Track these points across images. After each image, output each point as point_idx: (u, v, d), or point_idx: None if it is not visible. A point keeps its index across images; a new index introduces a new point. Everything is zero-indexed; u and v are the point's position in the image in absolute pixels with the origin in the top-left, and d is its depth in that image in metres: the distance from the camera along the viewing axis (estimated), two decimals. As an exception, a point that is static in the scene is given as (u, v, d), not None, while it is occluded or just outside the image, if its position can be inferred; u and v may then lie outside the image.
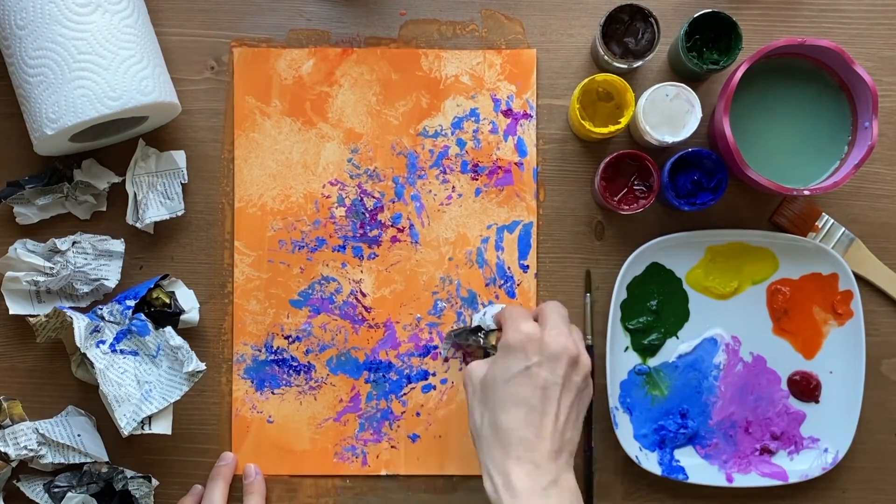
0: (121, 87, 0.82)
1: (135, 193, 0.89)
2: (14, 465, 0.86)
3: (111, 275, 0.89)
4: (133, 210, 0.89)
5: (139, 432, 0.83)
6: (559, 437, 0.75)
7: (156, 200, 0.89)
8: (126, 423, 0.82)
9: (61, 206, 0.90)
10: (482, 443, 0.77)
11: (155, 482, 0.88)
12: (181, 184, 0.90)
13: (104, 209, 0.91)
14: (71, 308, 0.85)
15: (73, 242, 0.88)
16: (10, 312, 0.87)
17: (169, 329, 0.85)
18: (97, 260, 0.88)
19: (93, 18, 0.81)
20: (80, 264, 0.87)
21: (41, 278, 0.86)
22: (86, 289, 0.88)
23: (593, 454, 0.90)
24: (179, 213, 0.89)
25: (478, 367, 0.79)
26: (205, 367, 0.85)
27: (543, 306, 0.80)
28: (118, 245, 0.89)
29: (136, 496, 0.86)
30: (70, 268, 0.87)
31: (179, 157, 0.90)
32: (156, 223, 0.91)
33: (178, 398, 0.84)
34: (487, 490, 0.75)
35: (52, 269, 0.86)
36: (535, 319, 0.80)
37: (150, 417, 0.84)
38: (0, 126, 0.91)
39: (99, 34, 0.81)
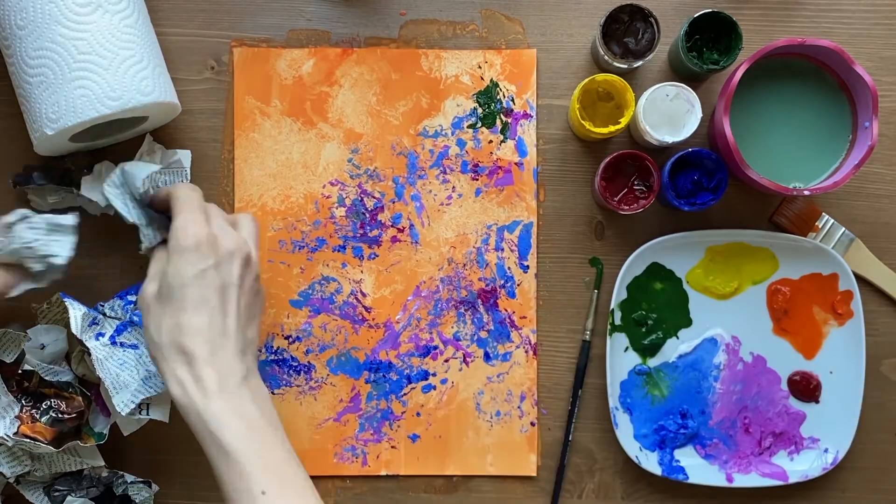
0: (121, 87, 0.81)
1: None
2: (11, 480, 0.85)
3: (61, 250, 0.82)
4: None
5: (136, 416, 0.83)
6: (242, 337, 0.76)
7: None
8: (123, 406, 0.82)
9: (73, 200, 0.89)
10: (164, 352, 0.75)
11: (155, 487, 0.88)
12: (182, 182, 0.90)
13: (111, 213, 0.90)
14: (71, 298, 0.85)
15: (24, 217, 0.82)
16: None
17: None
18: (48, 235, 0.82)
19: (93, 18, 0.81)
20: (28, 239, 0.81)
21: None
22: (39, 267, 0.82)
23: (569, 446, 0.90)
24: None
25: (149, 285, 0.78)
26: None
27: (182, 199, 0.79)
28: (70, 219, 0.83)
29: (136, 501, 0.86)
30: (18, 242, 0.81)
31: (185, 156, 0.90)
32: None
33: None
34: (176, 394, 0.74)
35: None
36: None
37: (147, 404, 0.84)
38: (0, 126, 0.91)
39: (99, 34, 0.81)
